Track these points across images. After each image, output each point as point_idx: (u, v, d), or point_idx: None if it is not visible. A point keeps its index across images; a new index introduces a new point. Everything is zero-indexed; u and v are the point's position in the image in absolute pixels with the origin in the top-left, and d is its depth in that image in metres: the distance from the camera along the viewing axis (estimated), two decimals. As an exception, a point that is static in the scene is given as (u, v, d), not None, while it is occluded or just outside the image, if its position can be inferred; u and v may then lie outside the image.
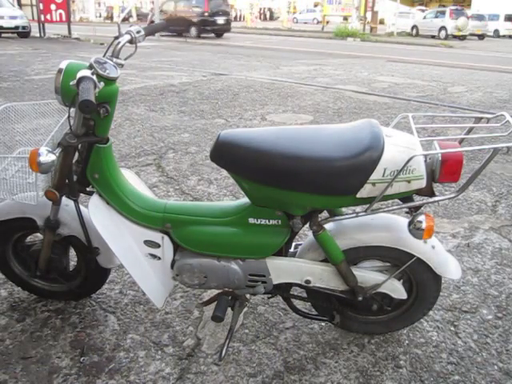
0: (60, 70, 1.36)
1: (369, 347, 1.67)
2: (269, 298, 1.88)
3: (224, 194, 2.99)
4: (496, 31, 25.10)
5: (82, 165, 1.48)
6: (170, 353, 1.62)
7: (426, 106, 5.84)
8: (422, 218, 1.34)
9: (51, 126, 1.57)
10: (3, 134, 1.63)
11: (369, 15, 23.47)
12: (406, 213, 1.46)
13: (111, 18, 33.36)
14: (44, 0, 14.65)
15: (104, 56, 1.41)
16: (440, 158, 1.30)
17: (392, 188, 1.32)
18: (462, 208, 2.88)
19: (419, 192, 1.37)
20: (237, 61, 10.18)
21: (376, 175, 1.30)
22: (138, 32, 1.50)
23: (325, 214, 1.52)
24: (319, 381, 1.52)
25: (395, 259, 1.52)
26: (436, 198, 1.38)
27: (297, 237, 2.03)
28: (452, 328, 1.78)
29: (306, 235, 2.40)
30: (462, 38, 20.92)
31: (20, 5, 16.81)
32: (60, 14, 15.16)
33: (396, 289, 1.54)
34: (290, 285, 1.59)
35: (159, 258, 1.54)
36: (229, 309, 1.57)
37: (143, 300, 1.88)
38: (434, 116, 5.04)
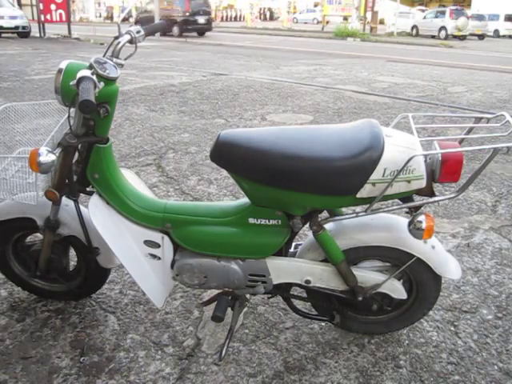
0: (60, 70, 1.36)
1: (369, 347, 1.67)
2: (269, 298, 1.88)
3: (224, 194, 2.99)
4: (496, 31, 25.09)
5: (82, 165, 1.48)
6: (170, 353, 1.62)
7: (426, 105, 5.84)
8: (421, 218, 1.34)
9: (51, 126, 1.57)
10: (3, 133, 1.63)
11: (369, 15, 23.46)
12: (406, 213, 1.46)
13: (111, 18, 33.38)
14: (44, 0, 14.66)
15: (104, 56, 1.41)
16: (440, 158, 1.30)
17: (392, 188, 1.32)
18: (462, 208, 2.88)
19: (419, 192, 1.37)
20: (237, 61, 10.18)
21: (376, 175, 1.30)
22: (138, 32, 1.50)
23: (325, 213, 1.52)
24: (319, 381, 1.52)
25: (395, 259, 1.52)
26: (436, 198, 1.38)
27: (297, 237, 2.02)
28: (452, 328, 1.78)
29: (306, 235, 2.40)
30: (462, 38, 20.92)
31: (20, 5, 16.81)
32: (60, 14, 15.17)
33: (396, 289, 1.54)
34: (289, 285, 1.59)
35: (159, 258, 1.54)
36: (229, 309, 1.57)
37: (143, 300, 1.88)
38: (434, 116, 5.04)
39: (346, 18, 22.80)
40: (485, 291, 2.02)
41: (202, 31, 18.82)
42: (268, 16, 41.07)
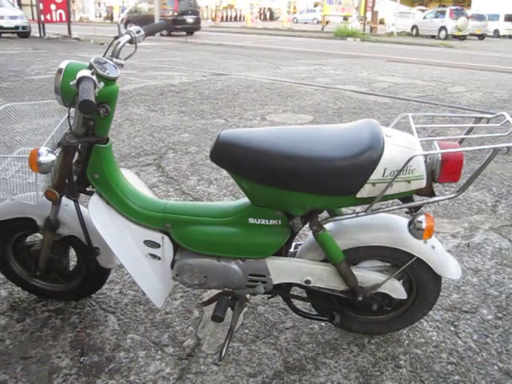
0: (60, 70, 1.36)
1: (369, 347, 1.67)
2: (269, 298, 1.88)
3: (224, 194, 2.99)
4: (496, 31, 25.09)
5: (82, 165, 1.48)
6: (170, 353, 1.62)
7: (426, 105, 5.84)
8: (421, 218, 1.34)
9: (51, 126, 1.57)
10: (3, 133, 1.63)
11: (369, 15, 23.46)
12: (406, 213, 1.46)
13: (111, 18, 33.37)
14: (44, 0, 14.66)
15: (104, 56, 1.41)
16: (440, 158, 1.30)
17: (392, 188, 1.32)
18: (462, 208, 2.88)
19: (419, 192, 1.37)
20: (237, 61, 10.18)
21: (376, 175, 1.30)
22: (138, 32, 1.50)
23: (325, 213, 1.52)
24: (319, 381, 1.52)
25: (395, 259, 1.52)
26: (436, 198, 1.38)
27: (297, 237, 2.02)
28: (452, 328, 1.78)
29: (306, 235, 2.40)
30: (462, 37, 20.92)
31: (20, 5, 16.80)
32: (60, 14, 15.17)
33: (396, 289, 1.54)
34: (289, 285, 1.59)
35: (159, 258, 1.54)
36: (229, 309, 1.57)
37: (143, 300, 1.88)
38: (434, 116, 5.04)
39: (346, 18, 22.80)
40: (485, 291, 2.02)
41: (190, 30, 19.13)
42: (268, 16, 41.08)
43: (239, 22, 33.81)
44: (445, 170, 1.30)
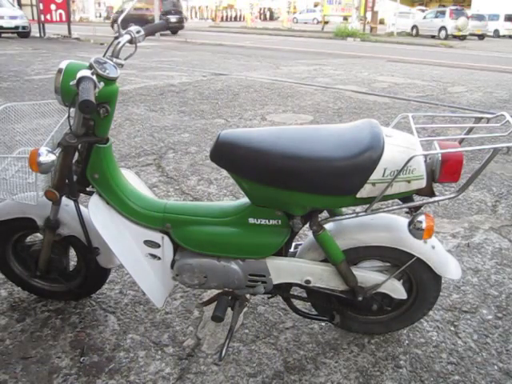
0: (60, 70, 1.36)
1: (369, 347, 1.67)
2: (269, 298, 1.88)
3: (224, 194, 2.99)
4: (496, 31, 25.10)
5: (82, 165, 1.48)
6: (170, 353, 1.62)
7: (426, 105, 5.84)
8: (422, 218, 1.34)
9: (51, 126, 1.57)
10: (3, 133, 1.63)
11: (369, 15, 23.47)
12: (406, 213, 1.46)
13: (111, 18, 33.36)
14: (44, 0, 14.66)
15: (104, 56, 1.41)
16: (440, 158, 1.30)
17: (392, 188, 1.32)
18: (462, 208, 2.88)
19: (419, 192, 1.37)
20: (237, 61, 10.18)
21: (376, 175, 1.30)
22: (138, 32, 1.50)
23: (325, 213, 1.52)
24: (319, 381, 1.52)
25: (395, 259, 1.52)
26: (436, 198, 1.38)
27: (297, 237, 2.03)
28: (452, 328, 1.78)
29: (306, 235, 2.40)
30: (462, 37, 20.92)
31: (20, 5, 16.79)
32: (60, 14, 15.17)
33: (396, 289, 1.54)
34: (290, 285, 1.59)
35: (159, 258, 1.54)
36: (229, 309, 1.57)
37: (143, 300, 1.88)
38: (434, 116, 5.04)
39: (346, 18, 22.80)
40: (485, 291, 2.02)
41: (174, 30, 19.45)
42: (268, 16, 41.08)
43: (239, 22, 33.81)
44: (445, 170, 1.30)
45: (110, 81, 1.35)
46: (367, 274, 1.53)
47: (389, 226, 1.50)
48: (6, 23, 14.26)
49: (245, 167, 1.38)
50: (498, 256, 2.31)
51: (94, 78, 1.25)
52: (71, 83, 1.25)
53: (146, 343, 1.66)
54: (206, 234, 1.50)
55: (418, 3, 35.36)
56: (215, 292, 1.63)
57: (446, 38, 20.62)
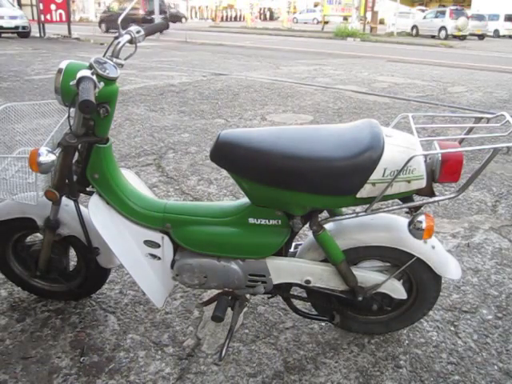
0: (60, 70, 1.36)
1: (369, 347, 1.67)
2: (269, 298, 1.88)
3: (224, 194, 2.99)
4: (496, 31, 25.10)
5: (82, 165, 1.48)
6: (170, 353, 1.62)
7: (426, 105, 5.84)
8: (422, 218, 1.34)
9: (51, 126, 1.57)
10: (3, 133, 1.63)
11: (369, 15, 23.47)
12: (406, 213, 1.46)
13: (111, 18, 33.33)
14: (44, 0, 14.66)
15: (104, 56, 1.41)
16: (440, 158, 1.30)
17: (392, 188, 1.32)
18: (462, 208, 2.88)
19: (419, 192, 1.37)
20: (237, 61, 10.18)
21: (376, 175, 1.30)
22: (138, 32, 1.50)
23: (325, 213, 1.52)
24: (319, 381, 1.52)
25: (395, 259, 1.52)
26: (436, 198, 1.38)
27: (297, 237, 2.03)
28: (452, 328, 1.78)
29: (306, 235, 2.40)
30: (462, 37, 20.92)
31: (20, 5, 16.80)
32: (60, 14, 15.17)
33: (396, 289, 1.54)
34: (290, 285, 1.59)
35: (159, 258, 1.54)
36: (229, 309, 1.57)
37: (143, 300, 1.88)
38: (434, 116, 5.04)
39: (345, 18, 22.80)
40: (485, 291, 2.02)
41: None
42: (268, 16, 41.11)
43: (239, 22, 33.82)
44: (445, 170, 1.30)
45: (110, 81, 1.35)
46: (367, 274, 1.53)
47: (389, 225, 1.50)
48: (6, 23, 14.26)
49: (245, 167, 1.38)
50: (497, 256, 2.31)
51: (94, 78, 1.25)
52: (71, 83, 1.25)
53: (146, 343, 1.66)
54: (206, 234, 1.50)
55: (418, 3, 35.36)
56: (215, 292, 1.63)
57: (446, 37, 20.62)
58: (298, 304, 1.81)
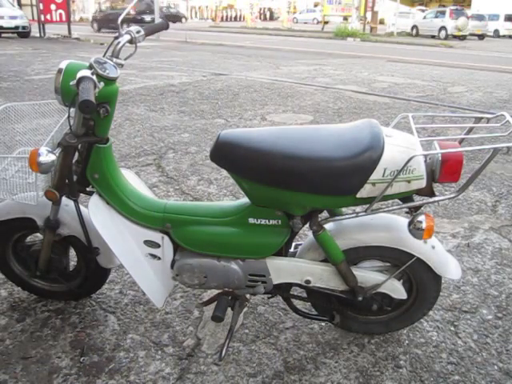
0: (60, 70, 1.36)
1: (369, 347, 1.67)
2: (269, 298, 1.88)
3: (224, 194, 2.99)
4: (496, 31, 25.10)
5: (82, 165, 1.48)
6: (170, 353, 1.62)
7: (426, 105, 5.84)
8: (422, 218, 1.34)
9: (51, 126, 1.57)
10: (3, 133, 1.63)
11: (369, 15, 23.47)
12: (406, 213, 1.46)
13: (111, 18, 33.33)
14: (44, 0, 14.66)
15: (104, 56, 1.41)
16: (440, 158, 1.30)
17: (392, 188, 1.32)
18: (462, 208, 2.88)
19: (419, 192, 1.37)
20: (237, 61, 10.18)
21: (376, 175, 1.30)
22: (138, 32, 1.50)
23: (325, 213, 1.52)
24: (319, 381, 1.52)
25: (395, 259, 1.52)
26: (436, 198, 1.38)
27: (297, 237, 2.02)
28: (452, 328, 1.78)
29: (306, 235, 2.40)
30: (462, 37, 20.92)
31: (20, 5, 16.80)
32: (60, 14, 15.17)
33: (396, 289, 1.54)
34: (290, 285, 1.59)
35: (159, 258, 1.54)
36: (229, 309, 1.57)
37: (143, 300, 1.88)
38: (434, 116, 5.04)
39: (345, 18, 22.80)
40: (485, 291, 2.02)
41: None
42: (268, 16, 41.11)
43: (239, 22, 33.82)
44: (445, 170, 1.30)
45: (109, 81, 1.35)
46: (367, 274, 1.53)
47: (389, 225, 1.50)
48: (6, 23, 14.26)
49: (245, 167, 1.38)
50: (497, 256, 2.31)
51: (94, 78, 1.25)
52: (71, 83, 1.25)
53: (146, 343, 1.66)
54: (206, 234, 1.50)
55: (418, 3, 35.37)
56: (215, 292, 1.63)
57: (446, 37, 20.62)
58: (298, 304, 1.81)
